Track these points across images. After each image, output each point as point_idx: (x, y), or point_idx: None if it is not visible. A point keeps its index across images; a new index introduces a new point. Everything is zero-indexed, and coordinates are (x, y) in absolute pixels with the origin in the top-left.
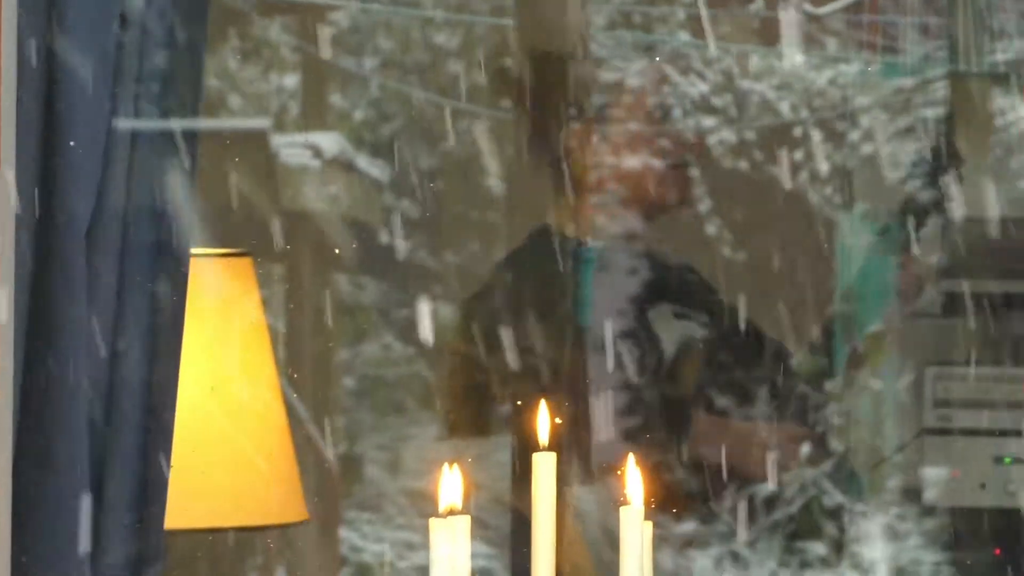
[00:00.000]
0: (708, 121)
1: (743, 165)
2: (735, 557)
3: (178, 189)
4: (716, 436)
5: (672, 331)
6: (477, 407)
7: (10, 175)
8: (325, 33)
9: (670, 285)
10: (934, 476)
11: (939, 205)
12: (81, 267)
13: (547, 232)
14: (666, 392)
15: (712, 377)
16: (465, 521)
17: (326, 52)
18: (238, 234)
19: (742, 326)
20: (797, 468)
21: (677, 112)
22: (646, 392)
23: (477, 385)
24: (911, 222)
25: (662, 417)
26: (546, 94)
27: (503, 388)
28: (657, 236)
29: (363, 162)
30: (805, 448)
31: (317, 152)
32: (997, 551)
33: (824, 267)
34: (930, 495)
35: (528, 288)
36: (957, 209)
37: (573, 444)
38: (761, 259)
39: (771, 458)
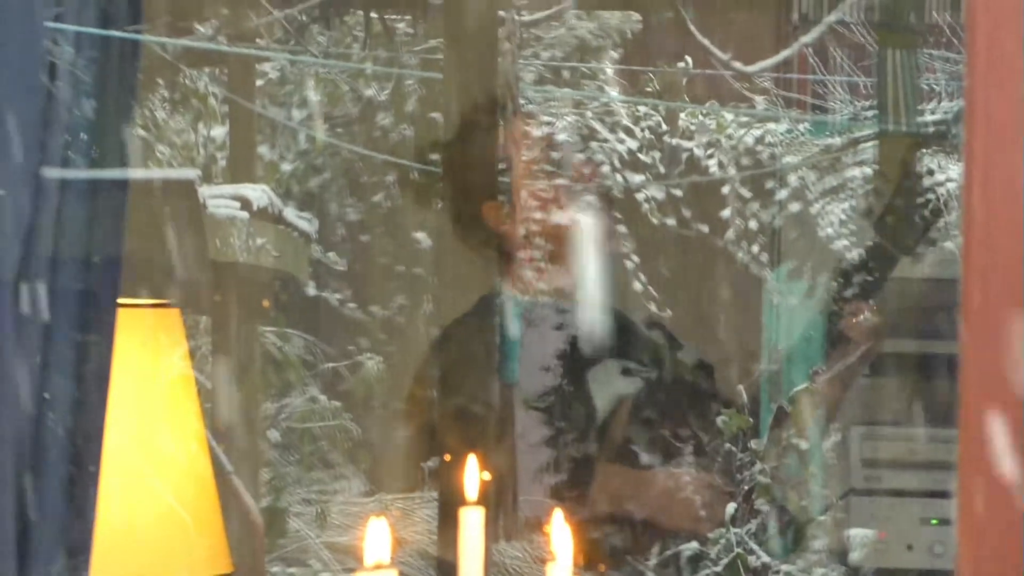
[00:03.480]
0: (636, 177)
1: (670, 222)
2: None
3: (106, 239)
4: (628, 490)
5: (611, 388)
6: (403, 462)
7: None
8: (254, 84)
9: (624, 340)
10: (861, 537)
11: (866, 265)
12: (8, 316)
13: (493, 297)
14: (593, 450)
15: (637, 433)
16: (392, 575)
17: (255, 103)
18: (165, 285)
19: (688, 378)
20: (722, 527)
21: (606, 168)
22: (572, 449)
23: (404, 440)
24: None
25: (586, 473)
26: (475, 148)
27: (431, 443)
28: (585, 292)
29: (290, 214)
30: (730, 507)
31: (245, 204)
32: None
33: (751, 325)
34: (857, 556)
35: (472, 349)
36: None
37: (499, 499)
38: (687, 317)
39: (697, 514)
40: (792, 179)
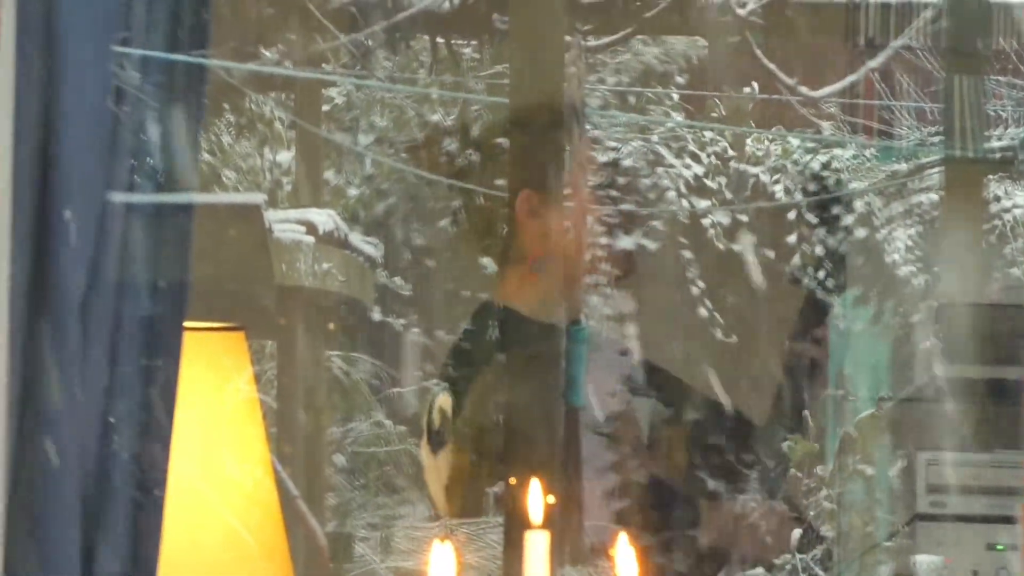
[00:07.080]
0: (702, 202)
1: (736, 247)
2: None
3: (172, 263)
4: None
5: (655, 416)
6: (468, 486)
7: (5, 246)
8: (320, 109)
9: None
10: (927, 563)
11: (933, 290)
12: (74, 339)
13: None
14: (656, 474)
15: (702, 460)
16: None
17: (320, 128)
18: (231, 308)
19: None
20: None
21: (671, 193)
22: (636, 474)
23: (468, 464)
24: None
25: (655, 499)
26: (541, 173)
27: (494, 467)
28: (650, 318)
29: (356, 239)
30: (795, 532)
31: (310, 228)
32: None
33: (815, 351)
34: None
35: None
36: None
37: (564, 524)
38: (752, 343)
39: (765, 542)
40: (858, 205)
